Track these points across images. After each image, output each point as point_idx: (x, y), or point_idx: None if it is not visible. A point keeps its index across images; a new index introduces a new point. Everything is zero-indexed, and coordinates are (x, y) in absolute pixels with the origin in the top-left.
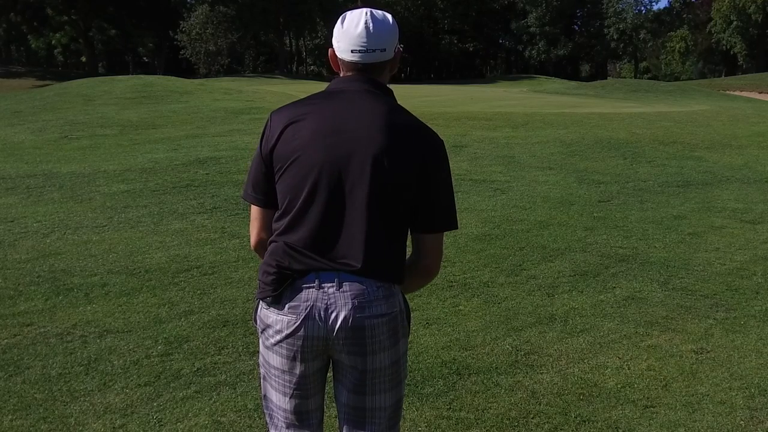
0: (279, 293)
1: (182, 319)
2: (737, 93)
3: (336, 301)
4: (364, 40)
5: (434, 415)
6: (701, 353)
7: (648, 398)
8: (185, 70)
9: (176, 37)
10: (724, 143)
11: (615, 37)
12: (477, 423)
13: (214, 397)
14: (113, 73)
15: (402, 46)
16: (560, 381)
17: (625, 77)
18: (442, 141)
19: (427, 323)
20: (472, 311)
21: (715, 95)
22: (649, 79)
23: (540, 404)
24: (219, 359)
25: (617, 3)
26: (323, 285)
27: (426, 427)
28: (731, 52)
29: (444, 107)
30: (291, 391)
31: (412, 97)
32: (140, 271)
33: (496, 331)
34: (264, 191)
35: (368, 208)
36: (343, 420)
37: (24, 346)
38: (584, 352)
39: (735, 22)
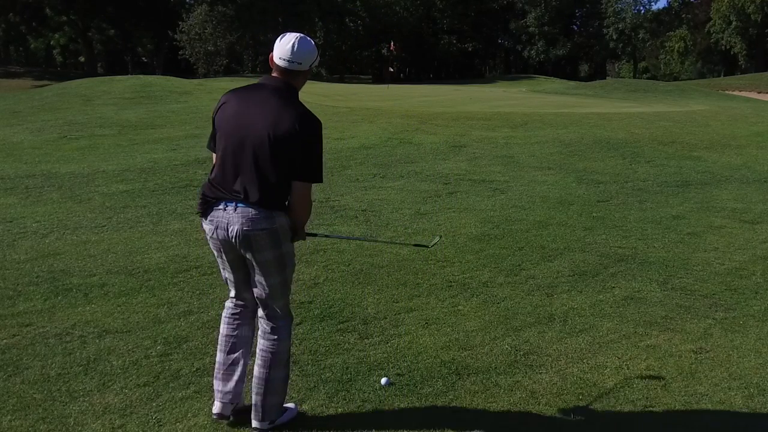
0: (204, 211)
1: (181, 319)
2: (736, 93)
3: (234, 219)
4: (289, 54)
5: (434, 415)
6: (700, 353)
7: (647, 398)
8: (184, 70)
9: (175, 37)
10: (723, 143)
11: (614, 37)
12: (476, 423)
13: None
14: (112, 74)
15: (397, 46)
16: (559, 381)
17: (624, 77)
18: (319, 123)
19: (426, 323)
20: (471, 311)
21: (714, 95)
22: (648, 79)
23: (539, 404)
24: None
25: (616, 3)
26: (227, 208)
27: (426, 427)
28: (731, 52)
29: (443, 107)
30: (224, 267)
31: (411, 97)
32: (139, 272)
33: (495, 331)
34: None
35: (261, 163)
36: (254, 290)
37: (23, 346)
38: (583, 352)
39: (734, 23)
